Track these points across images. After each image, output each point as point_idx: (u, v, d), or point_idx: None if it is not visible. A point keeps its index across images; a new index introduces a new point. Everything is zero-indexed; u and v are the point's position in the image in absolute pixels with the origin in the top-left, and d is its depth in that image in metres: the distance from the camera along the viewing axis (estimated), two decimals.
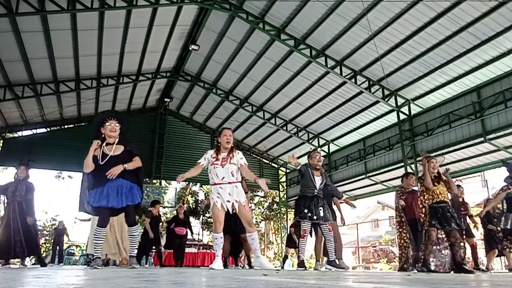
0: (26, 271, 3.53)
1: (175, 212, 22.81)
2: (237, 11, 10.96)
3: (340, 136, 15.42)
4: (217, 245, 4.23)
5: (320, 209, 5.18)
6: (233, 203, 4.19)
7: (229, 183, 4.21)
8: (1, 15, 8.88)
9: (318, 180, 5.33)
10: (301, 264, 5.28)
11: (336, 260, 5.38)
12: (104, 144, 4.05)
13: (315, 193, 5.26)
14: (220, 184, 4.22)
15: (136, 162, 4.07)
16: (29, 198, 6.01)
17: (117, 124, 4.09)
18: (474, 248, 7.12)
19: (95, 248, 4.01)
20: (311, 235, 5.59)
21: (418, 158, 5.58)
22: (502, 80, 9.71)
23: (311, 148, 5.84)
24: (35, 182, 6.23)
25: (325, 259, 5.92)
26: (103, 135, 4.07)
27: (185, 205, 24.48)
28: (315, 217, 5.17)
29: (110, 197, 3.81)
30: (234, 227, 5.89)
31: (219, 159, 4.28)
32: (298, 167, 5.36)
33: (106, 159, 3.94)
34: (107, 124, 4.05)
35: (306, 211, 5.20)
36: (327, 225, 5.22)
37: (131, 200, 3.89)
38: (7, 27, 9.65)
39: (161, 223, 10.46)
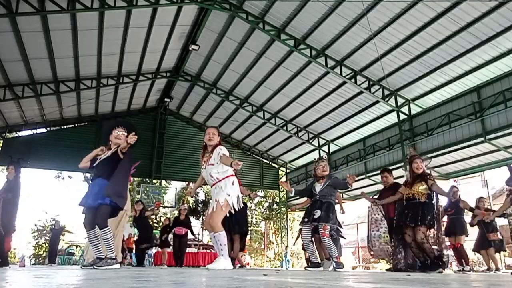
0: (26, 271, 3.53)
1: (175, 212, 22.81)
2: (237, 11, 10.96)
3: (340, 136, 15.41)
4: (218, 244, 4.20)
5: (317, 212, 5.19)
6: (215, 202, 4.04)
7: (213, 184, 4.08)
8: (1, 15, 8.88)
9: (317, 187, 5.40)
10: (313, 264, 5.35)
11: (332, 261, 5.42)
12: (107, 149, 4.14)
13: (317, 198, 5.32)
14: (212, 185, 4.14)
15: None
16: (9, 198, 5.88)
17: (124, 133, 4.13)
18: (461, 247, 7.08)
19: (93, 249, 3.99)
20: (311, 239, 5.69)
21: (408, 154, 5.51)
22: (502, 80, 9.71)
23: (315, 159, 5.86)
24: (24, 181, 6.15)
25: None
26: (110, 142, 4.17)
27: (185, 205, 24.52)
28: (305, 219, 5.26)
29: (88, 197, 3.86)
30: (230, 226, 5.95)
31: (205, 161, 4.17)
32: (291, 193, 5.52)
33: (96, 162, 4.04)
34: (113, 132, 4.15)
35: (303, 216, 5.41)
36: (321, 228, 5.21)
37: (100, 199, 3.75)
38: (7, 27, 9.65)
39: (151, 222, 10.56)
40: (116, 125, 4.20)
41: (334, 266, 5.31)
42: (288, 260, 18.84)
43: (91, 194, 3.83)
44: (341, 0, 9.58)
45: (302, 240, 5.54)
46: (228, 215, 4.42)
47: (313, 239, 5.84)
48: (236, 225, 6.26)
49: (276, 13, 10.86)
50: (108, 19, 10.52)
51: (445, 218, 7.24)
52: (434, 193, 4.93)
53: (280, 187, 20.24)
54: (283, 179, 19.95)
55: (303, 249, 11.15)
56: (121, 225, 6.13)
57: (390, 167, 13.08)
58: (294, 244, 16.60)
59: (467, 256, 7.21)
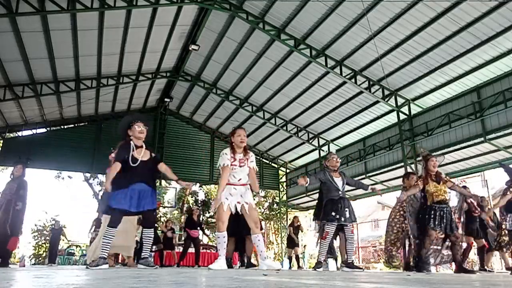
0: (26, 271, 3.53)
1: (175, 212, 22.73)
2: (237, 11, 10.95)
3: (340, 136, 15.41)
4: (220, 244, 4.17)
5: (346, 211, 5.26)
6: (242, 205, 4.15)
7: (243, 184, 4.19)
8: (1, 15, 8.88)
9: (339, 182, 5.42)
10: (319, 264, 5.33)
11: (353, 262, 5.45)
12: (133, 146, 4.09)
13: (340, 195, 5.32)
14: (234, 185, 4.18)
15: (169, 170, 4.29)
16: (21, 195, 5.90)
17: (145, 127, 4.16)
18: (483, 249, 7.07)
19: (102, 247, 3.97)
20: (335, 237, 5.64)
21: (418, 158, 5.57)
22: (502, 80, 9.70)
23: (326, 152, 5.94)
24: (29, 181, 6.13)
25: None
26: (130, 137, 4.13)
27: (186, 205, 24.51)
28: (342, 219, 5.25)
29: (132, 201, 3.90)
30: (238, 228, 5.90)
31: (237, 159, 4.22)
32: (307, 184, 5.43)
33: (137, 163, 4.01)
34: (135, 126, 4.09)
35: (333, 214, 5.26)
36: (351, 226, 5.31)
37: (150, 205, 4.02)
38: (7, 27, 9.64)
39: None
40: (135, 119, 4.18)
41: (357, 266, 5.35)
42: (304, 261, 18.81)
43: (141, 200, 3.93)
44: (341, 0, 9.57)
45: (325, 238, 5.37)
46: (234, 218, 4.44)
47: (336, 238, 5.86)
48: (244, 228, 6.26)
49: (276, 13, 10.86)
50: (108, 19, 10.52)
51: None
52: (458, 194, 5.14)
53: (280, 186, 20.25)
54: (283, 179, 19.96)
55: (291, 247, 11.05)
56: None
57: (390, 167, 13.16)
58: (316, 244, 16.46)
59: (485, 257, 7.18)
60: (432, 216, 4.99)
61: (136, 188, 3.93)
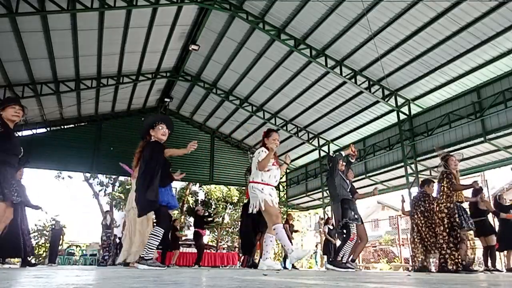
0: (26, 271, 3.54)
1: (175, 212, 22.68)
2: (237, 11, 10.95)
3: (340, 136, 15.41)
4: (283, 238, 4.15)
5: (358, 212, 5.45)
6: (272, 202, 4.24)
7: (276, 187, 4.33)
8: (1, 15, 8.88)
9: (349, 184, 5.62)
10: (344, 265, 5.36)
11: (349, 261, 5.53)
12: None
13: (351, 197, 5.54)
14: (272, 185, 4.24)
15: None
16: (27, 199, 6.00)
17: (167, 129, 4.20)
18: (492, 248, 7.02)
19: (151, 248, 3.87)
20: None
21: (435, 153, 5.70)
22: (502, 80, 9.70)
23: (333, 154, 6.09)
24: (28, 181, 6.25)
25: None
26: (151, 137, 4.12)
27: (186, 205, 24.52)
28: (356, 217, 5.37)
29: (175, 199, 4.03)
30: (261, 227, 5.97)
31: (276, 163, 4.31)
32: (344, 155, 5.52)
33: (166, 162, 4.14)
34: (159, 127, 4.10)
35: (353, 213, 5.34)
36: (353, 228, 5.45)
37: (177, 203, 4.18)
38: (7, 27, 9.64)
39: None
40: (159, 120, 4.18)
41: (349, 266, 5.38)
42: (317, 261, 18.80)
43: (173, 196, 4.01)
44: (341, 0, 9.57)
45: (352, 237, 5.34)
46: (256, 217, 4.48)
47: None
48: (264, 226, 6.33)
49: (276, 13, 10.86)
50: (108, 19, 10.52)
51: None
52: None
53: (280, 187, 20.22)
54: (283, 179, 19.93)
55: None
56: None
57: (390, 167, 13.15)
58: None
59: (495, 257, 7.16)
60: (462, 217, 5.09)
61: (169, 187, 4.06)
